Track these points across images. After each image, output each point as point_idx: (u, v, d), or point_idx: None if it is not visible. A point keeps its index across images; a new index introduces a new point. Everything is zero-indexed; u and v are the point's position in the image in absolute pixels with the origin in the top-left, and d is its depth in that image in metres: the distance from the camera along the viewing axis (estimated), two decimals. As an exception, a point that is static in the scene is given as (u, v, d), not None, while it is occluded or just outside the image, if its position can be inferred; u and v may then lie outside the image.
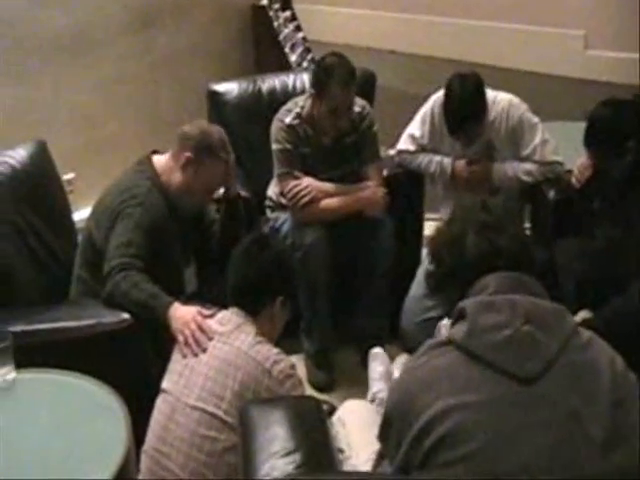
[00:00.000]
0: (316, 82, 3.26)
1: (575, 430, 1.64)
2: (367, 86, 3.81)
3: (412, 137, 3.58)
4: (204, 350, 2.48)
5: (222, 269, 3.06)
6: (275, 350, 2.47)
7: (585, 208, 3.11)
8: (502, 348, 1.69)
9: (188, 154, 2.92)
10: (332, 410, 2.77)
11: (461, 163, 3.50)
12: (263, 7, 4.99)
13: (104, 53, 4.22)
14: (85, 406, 2.34)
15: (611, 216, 3.04)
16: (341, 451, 2.18)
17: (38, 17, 4.01)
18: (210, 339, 2.50)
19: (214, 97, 3.88)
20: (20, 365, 2.40)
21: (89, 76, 4.22)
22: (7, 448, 2.15)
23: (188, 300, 2.78)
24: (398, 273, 3.50)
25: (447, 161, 3.52)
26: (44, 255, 3.04)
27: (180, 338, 2.53)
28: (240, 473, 2.18)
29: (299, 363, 3.27)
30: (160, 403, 2.50)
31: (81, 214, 3.41)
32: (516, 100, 3.45)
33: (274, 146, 3.35)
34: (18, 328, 2.55)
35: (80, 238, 3.09)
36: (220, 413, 2.37)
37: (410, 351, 3.03)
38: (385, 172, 3.53)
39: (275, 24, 5.04)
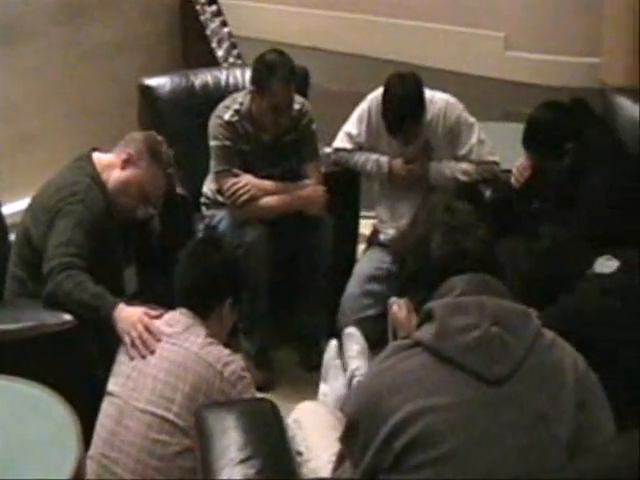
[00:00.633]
0: (257, 79, 3.23)
1: (542, 431, 1.66)
2: (301, 83, 3.79)
3: (349, 135, 3.57)
4: (152, 352, 2.44)
5: (163, 268, 3.02)
6: (226, 351, 2.45)
7: (524, 208, 3.16)
8: (472, 350, 1.69)
9: (130, 151, 2.86)
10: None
11: (398, 162, 3.51)
12: (190, 1, 4.91)
13: (31, 45, 4.09)
14: (31, 413, 2.27)
15: (551, 216, 3.10)
16: (299, 454, 2.16)
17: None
18: (158, 340, 2.46)
19: (146, 92, 3.80)
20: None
21: (15, 67, 4.08)
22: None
23: (129, 301, 2.72)
24: (335, 271, 3.50)
25: (384, 160, 3.53)
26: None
27: (127, 339, 2.48)
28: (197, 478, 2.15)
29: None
30: (107, 406, 2.44)
31: (7, 209, 3.28)
32: (453, 100, 3.48)
33: (212, 143, 3.31)
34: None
35: (13, 235, 2.98)
36: (171, 416, 2.34)
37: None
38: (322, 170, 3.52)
39: (202, 18, 4.96)
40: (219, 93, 3.76)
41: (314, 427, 2.27)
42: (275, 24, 6.98)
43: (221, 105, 3.34)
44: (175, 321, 2.48)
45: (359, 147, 3.57)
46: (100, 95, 4.49)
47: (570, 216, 3.12)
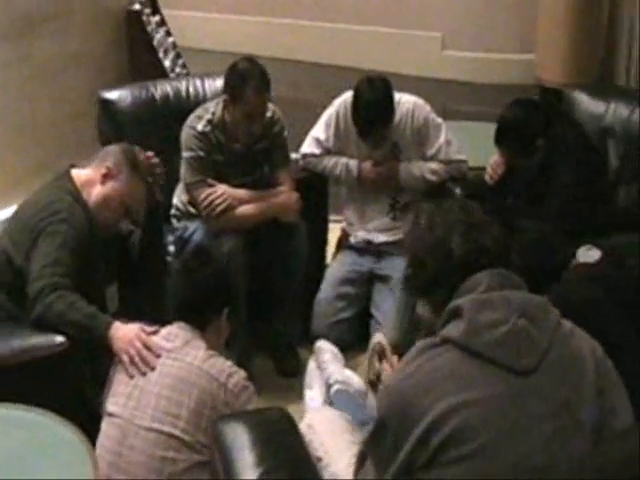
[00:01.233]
0: (230, 87, 3.20)
1: (567, 419, 1.70)
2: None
3: (317, 140, 3.58)
4: (152, 368, 2.40)
5: (144, 284, 2.99)
6: (228, 363, 2.43)
7: (498, 204, 3.21)
8: (501, 344, 1.72)
9: (108, 164, 2.81)
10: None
11: (367, 165, 3.54)
12: (136, 12, 4.86)
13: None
14: (40, 441, 2.20)
15: (523, 212, 3.17)
16: (319, 459, 2.16)
17: None
18: (157, 356, 2.41)
19: (105, 105, 3.73)
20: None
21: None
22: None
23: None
24: (305, 277, 3.50)
25: (353, 163, 3.55)
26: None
27: (125, 358, 2.43)
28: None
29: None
30: (107, 428, 2.39)
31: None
32: (420, 101, 3.53)
33: (186, 154, 3.27)
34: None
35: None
36: (177, 432, 2.30)
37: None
38: (291, 176, 3.52)
39: (148, 29, 4.92)
40: (180, 104, 3.76)
41: (328, 431, 2.28)
42: (207, 32, 6.94)
43: (192, 115, 3.30)
44: (174, 336, 2.45)
45: (327, 152, 3.59)
46: (50, 109, 4.40)
47: (541, 211, 3.19)
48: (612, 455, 1.72)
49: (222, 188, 3.26)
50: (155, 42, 4.91)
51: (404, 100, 3.49)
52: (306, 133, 3.65)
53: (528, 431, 1.68)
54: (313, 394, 3.00)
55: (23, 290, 2.64)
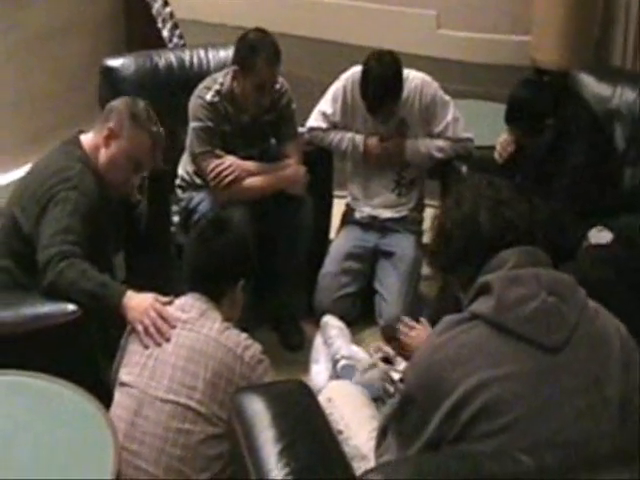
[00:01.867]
0: (240, 58, 3.17)
1: (596, 395, 1.73)
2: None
3: (323, 114, 3.56)
4: (167, 339, 2.37)
5: (151, 254, 2.96)
6: (244, 335, 2.41)
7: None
8: (531, 320, 1.74)
9: (110, 125, 2.75)
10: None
11: (374, 140, 3.52)
12: (134, -20, 4.78)
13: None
14: (61, 411, 2.19)
15: (531, 191, 3.16)
16: (340, 432, 2.16)
17: None
18: (172, 327, 2.39)
19: (109, 73, 3.68)
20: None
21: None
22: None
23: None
24: (310, 251, 3.49)
25: (359, 138, 3.53)
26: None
27: (139, 328, 2.40)
28: (232, 465, 2.12)
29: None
30: (121, 398, 2.36)
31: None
32: (428, 78, 3.51)
33: (194, 124, 3.23)
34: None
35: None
36: (193, 404, 2.29)
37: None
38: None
39: (147, -1, 4.84)
40: (184, 74, 3.72)
41: (347, 405, 2.29)
42: (210, 5, 6.86)
43: (201, 86, 3.27)
44: (189, 306, 2.42)
45: (333, 126, 3.56)
46: (44, 80, 4.31)
47: (549, 190, 3.20)
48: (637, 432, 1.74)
49: (230, 159, 3.23)
50: (154, 11, 4.84)
51: (412, 76, 3.47)
52: (300, 108, 3.61)
53: (560, 407, 1.70)
54: (319, 369, 3.01)
55: (31, 257, 2.60)
